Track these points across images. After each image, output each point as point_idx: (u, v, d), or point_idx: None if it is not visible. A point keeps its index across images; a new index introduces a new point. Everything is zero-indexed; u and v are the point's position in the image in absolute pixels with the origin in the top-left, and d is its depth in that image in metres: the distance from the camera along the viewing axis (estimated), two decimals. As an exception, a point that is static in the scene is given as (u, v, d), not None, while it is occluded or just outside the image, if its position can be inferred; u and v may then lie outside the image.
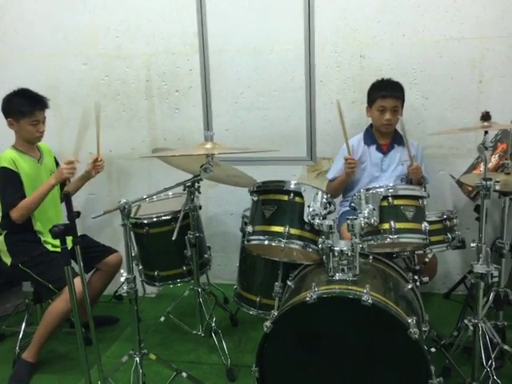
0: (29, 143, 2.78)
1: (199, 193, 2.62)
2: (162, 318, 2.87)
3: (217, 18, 3.25)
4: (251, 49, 3.25)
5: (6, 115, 2.73)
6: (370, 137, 2.94)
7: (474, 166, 2.94)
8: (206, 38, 3.28)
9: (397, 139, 2.91)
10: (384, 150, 2.91)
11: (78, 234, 1.88)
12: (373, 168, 2.91)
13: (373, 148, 2.92)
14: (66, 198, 1.85)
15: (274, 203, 2.21)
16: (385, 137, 2.92)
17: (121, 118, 3.49)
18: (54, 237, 1.81)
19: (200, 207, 2.84)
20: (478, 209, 2.72)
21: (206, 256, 2.96)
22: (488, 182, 2.05)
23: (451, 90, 3.10)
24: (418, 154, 2.92)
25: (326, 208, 2.17)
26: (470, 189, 2.85)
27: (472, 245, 2.14)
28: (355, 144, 2.92)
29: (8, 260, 2.71)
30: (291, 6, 3.14)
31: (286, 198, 2.18)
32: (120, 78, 3.43)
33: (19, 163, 2.69)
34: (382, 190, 2.15)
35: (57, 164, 2.99)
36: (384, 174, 2.90)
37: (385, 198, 2.13)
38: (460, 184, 2.94)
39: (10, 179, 2.64)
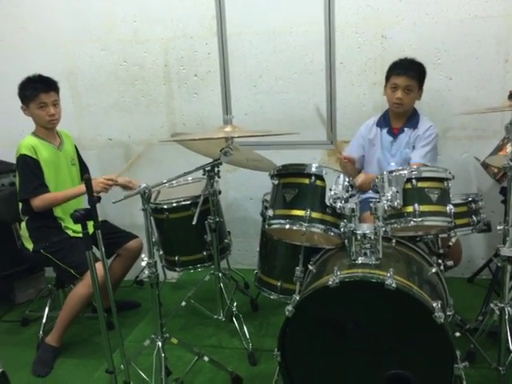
0: (46, 129, 2.77)
1: (219, 177, 2.60)
2: (183, 303, 2.88)
3: (234, 1, 3.20)
4: (270, 31, 3.20)
5: (21, 102, 2.74)
6: (385, 119, 2.86)
7: (499, 148, 2.86)
8: (224, 21, 3.24)
9: (410, 122, 2.80)
10: (394, 133, 2.83)
11: (99, 220, 1.87)
12: (383, 151, 2.85)
13: (384, 131, 2.85)
14: (87, 184, 1.84)
15: (295, 187, 2.17)
16: (399, 119, 2.82)
17: (139, 104, 3.48)
18: (75, 221, 1.81)
19: (219, 192, 2.82)
20: (503, 191, 2.67)
21: (226, 241, 2.95)
22: (516, 163, 2.00)
23: (476, 69, 3.02)
24: (424, 135, 2.74)
25: (347, 191, 2.14)
26: (495, 171, 2.78)
27: (498, 228, 2.09)
28: (370, 125, 2.89)
29: (30, 246, 2.74)
30: (310, -13, 3.08)
31: (307, 181, 2.15)
32: (138, 63, 3.42)
33: (39, 150, 2.69)
34: (405, 172, 2.10)
35: (76, 151, 2.98)
36: (393, 159, 2.82)
37: (408, 180, 2.08)
38: (485, 166, 2.87)
39: (29, 167, 2.65)
